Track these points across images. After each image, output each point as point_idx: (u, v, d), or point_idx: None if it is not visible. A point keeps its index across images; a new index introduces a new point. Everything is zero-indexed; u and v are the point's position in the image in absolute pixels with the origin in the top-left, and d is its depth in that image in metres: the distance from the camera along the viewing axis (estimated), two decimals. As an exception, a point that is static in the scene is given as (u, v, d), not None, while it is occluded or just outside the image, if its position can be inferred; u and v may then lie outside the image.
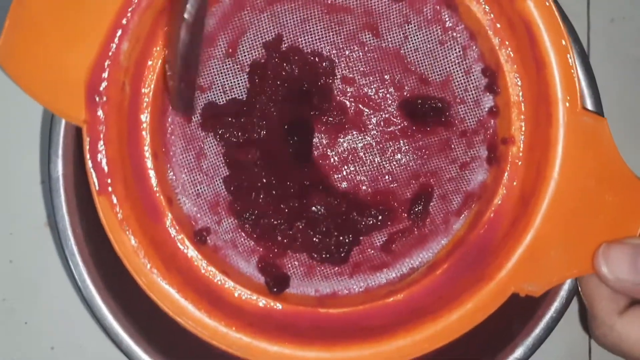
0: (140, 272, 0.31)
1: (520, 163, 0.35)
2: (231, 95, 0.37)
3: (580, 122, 0.32)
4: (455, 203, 0.37)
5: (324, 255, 0.35)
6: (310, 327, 0.34)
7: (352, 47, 0.37)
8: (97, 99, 0.30)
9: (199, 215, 0.36)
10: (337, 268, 0.37)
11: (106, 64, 0.30)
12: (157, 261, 0.32)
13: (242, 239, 0.37)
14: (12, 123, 0.43)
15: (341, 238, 0.35)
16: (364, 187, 0.38)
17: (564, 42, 0.32)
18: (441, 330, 0.33)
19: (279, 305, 0.35)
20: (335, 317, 0.35)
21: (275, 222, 0.36)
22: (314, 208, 0.35)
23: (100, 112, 0.30)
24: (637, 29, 0.43)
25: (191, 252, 0.34)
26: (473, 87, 0.37)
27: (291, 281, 0.36)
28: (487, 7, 0.34)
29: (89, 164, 0.30)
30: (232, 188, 0.35)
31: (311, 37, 0.37)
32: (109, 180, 0.31)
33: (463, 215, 0.37)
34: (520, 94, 0.35)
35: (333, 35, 0.37)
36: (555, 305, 0.38)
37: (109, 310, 0.36)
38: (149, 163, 0.34)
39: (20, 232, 0.43)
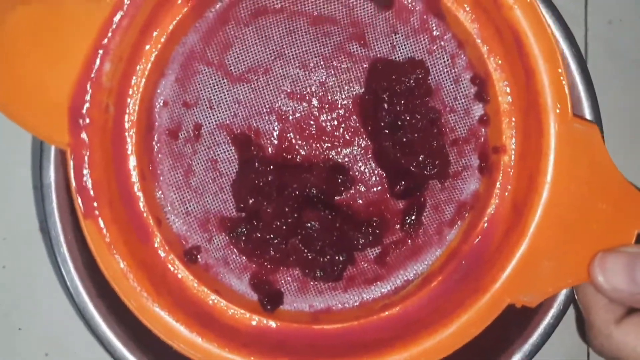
0: (130, 296, 0.31)
1: (512, 172, 0.35)
2: (218, 110, 0.36)
3: (572, 130, 0.32)
4: (448, 213, 0.37)
5: (317, 274, 0.35)
6: (306, 345, 0.33)
7: (340, 58, 0.37)
8: (80, 121, 0.30)
9: (188, 233, 0.36)
10: (331, 283, 0.36)
11: (88, 85, 0.29)
12: (147, 284, 0.31)
13: (234, 256, 0.36)
14: (4, 128, 0.43)
15: (336, 257, 0.35)
16: (356, 197, 0.38)
17: (552, 50, 0.31)
18: (437, 344, 0.32)
19: (272, 324, 0.34)
20: (330, 333, 0.34)
21: (268, 237, 0.35)
22: (308, 224, 0.35)
23: (83, 135, 0.30)
24: (634, 31, 0.43)
25: (182, 272, 0.34)
26: (462, 95, 0.36)
27: (285, 297, 0.36)
28: (474, 15, 0.34)
29: (74, 187, 0.30)
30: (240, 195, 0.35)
31: (297, 50, 0.37)
32: (95, 204, 0.30)
33: (456, 226, 0.37)
34: (511, 102, 0.35)
35: (320, 46, 0.37)
36: (553, 311, 0.37)
37: (101, 318, 0.35)
38: (136, 184, 0.33)
39: (13, 238, 0.43)
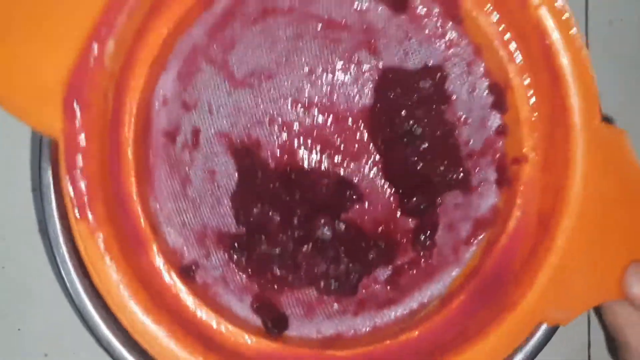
0: (123, 309, 0.27)
1: (535, 183, 0.33)
2: (218, 117, 0.34)
3: (600, 137, 0.31)
4: (464, 230, 0.35)
5: (332, 286, 0.31)
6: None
7: (349, 66, 0.35)
8: (76, 105, 0.26)
9: (185, 248, 0.32)
10: (340, 306, 0.33)
11: (89, 63, 0.26)
12: (143, 297, 0.27)
13: (234, 275, 0.32)
14: (2, 129, 0.41)
15: (350, 265, 0.31)
16: (364, 215, 0.35)
17: (582, 51, 0.30)
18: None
19: (279, 349, 0.30)
20: (342, 359, 0.31)
21: (271, 253, 0.32)
22: (319, 232, 0.31)
23: (79, 121, 0.26)
24: (635, 31, 0.43)
25: (180, 288, 0.30)
26: (479, 105, 0.35)
27: (290, 322, 0.32)
28: (495, 17, 0.33)
29: (66, 179, 0.26)
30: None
31: (305, 55, 0.34)
32: (87, 200, 0.26)
33: (474, 243, 0.34)
34: (532, 109, 0.33)
35: (329, 52, 0.35)
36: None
37: (101, 318, 0.32)
38: (133, 187, 0.30)
39: (12, 238, 0.42)
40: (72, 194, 0.26)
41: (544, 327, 0.34)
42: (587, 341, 0.42)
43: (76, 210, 0.26)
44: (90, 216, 0.26)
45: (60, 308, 0.40)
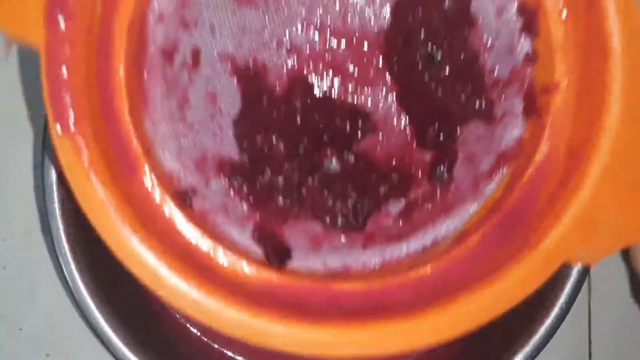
0: (110, 232, 0.25)
1: (566, 113, 0.30)
2: (221, 37, 0.31)
3: (641, 58, 0.28)
4: (485, 164, 0.32)
5: (339, 221, 0.29)
6: (321, 304, 0.28)
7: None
8: (60, 14, 0.24)
9: (182, 173, 0.30)
10: (347, 239, 0.31)
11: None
12: (133, 221, 0.26)
13: (235, 203, 0.31)
14: (4, 127, 0.43)
15: (359, 202, 0.29)
16: (377, 146, 0.33)
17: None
18: (480, 305, 0.27)
19: (282, 280, 0.29)
20: (350, 292, 0.29)
21: (276, 182, 0.30)
22: (326, 165, 0.29)
23: (62, 29, 0.24)
24: None
25: (175, 213, 0.28)
26: (507, 29, 0.32)
27: (295, 253, 0.30)
28: None
29: (47, 92, 0.24)
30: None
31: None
32: (72, 114, 0.24)
33: (496, 176, 0.32)
34: (566, 32, 0.30)
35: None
36: (555, 311, 0.36)
37: (103, 318, 0.34)
38: (124, 105, 0.28)
39: (13, 238, 0.42)
40: (53, 106, 0.24)
41: (544, 326, 0.35)
42: (588, 337, 0.42)
43: (57, 126, 0.24)
44: (73, 132, 0.24)
45: (62, 308, 0.41)
